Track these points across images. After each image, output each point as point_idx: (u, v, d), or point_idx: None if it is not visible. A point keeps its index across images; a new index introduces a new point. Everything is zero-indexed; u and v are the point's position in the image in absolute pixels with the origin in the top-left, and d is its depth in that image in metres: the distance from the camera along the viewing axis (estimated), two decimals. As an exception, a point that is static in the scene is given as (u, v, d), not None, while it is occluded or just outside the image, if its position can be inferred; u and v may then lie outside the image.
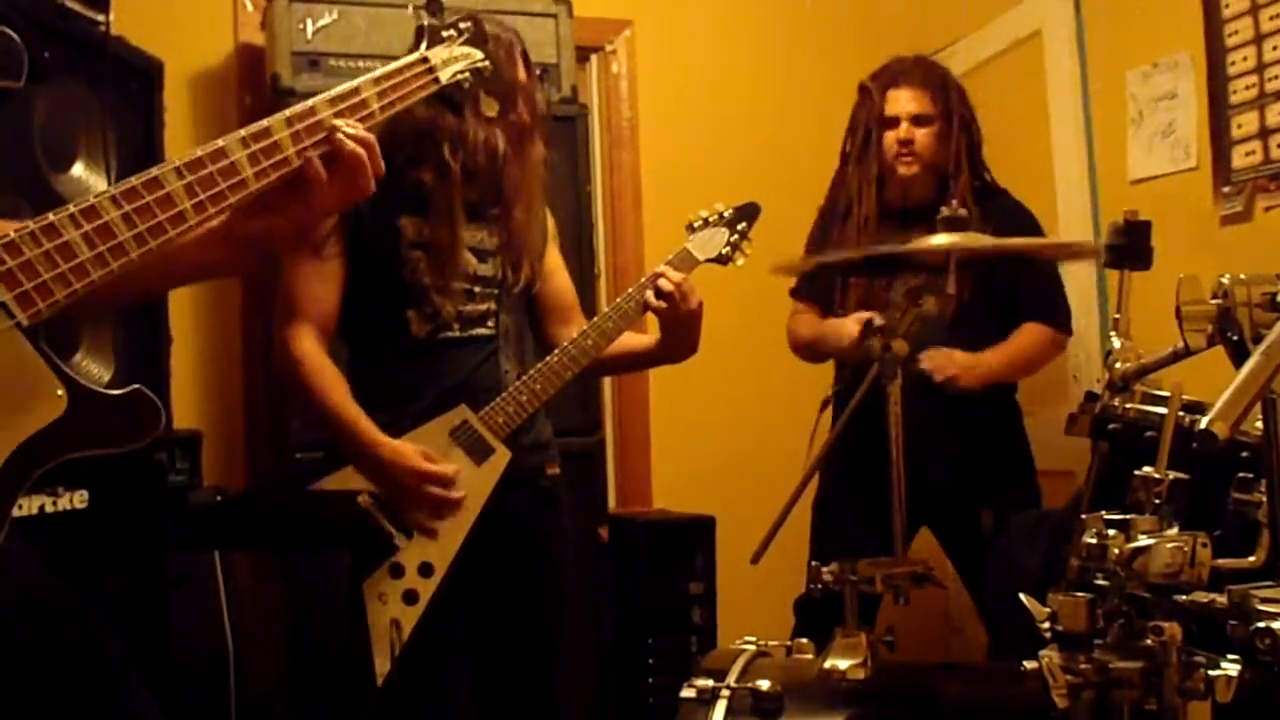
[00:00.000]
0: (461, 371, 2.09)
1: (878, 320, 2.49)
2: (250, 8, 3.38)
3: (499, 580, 2.12)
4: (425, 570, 1.99)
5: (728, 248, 2.32)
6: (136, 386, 1.19)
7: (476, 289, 2.12)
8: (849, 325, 2.63)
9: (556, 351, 2.12)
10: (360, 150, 1.33)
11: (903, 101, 2.74)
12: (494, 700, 2.15)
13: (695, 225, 2.35)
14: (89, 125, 2.36)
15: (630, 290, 2.19)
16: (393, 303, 2.08)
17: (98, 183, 2.37)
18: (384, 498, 1.98)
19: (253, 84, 3.34)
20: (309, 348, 2.03)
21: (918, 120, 2.72)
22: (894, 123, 2.74)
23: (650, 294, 2.14)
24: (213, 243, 1.32)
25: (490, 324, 2.14)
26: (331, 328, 2.09)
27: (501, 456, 2.06)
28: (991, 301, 2.66)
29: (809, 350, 2.90)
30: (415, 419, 2.04)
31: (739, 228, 2.35)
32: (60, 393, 1.15)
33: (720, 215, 2.35)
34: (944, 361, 2.58)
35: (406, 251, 2.06)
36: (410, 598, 1.98)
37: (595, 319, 2.16)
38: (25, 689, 1.27)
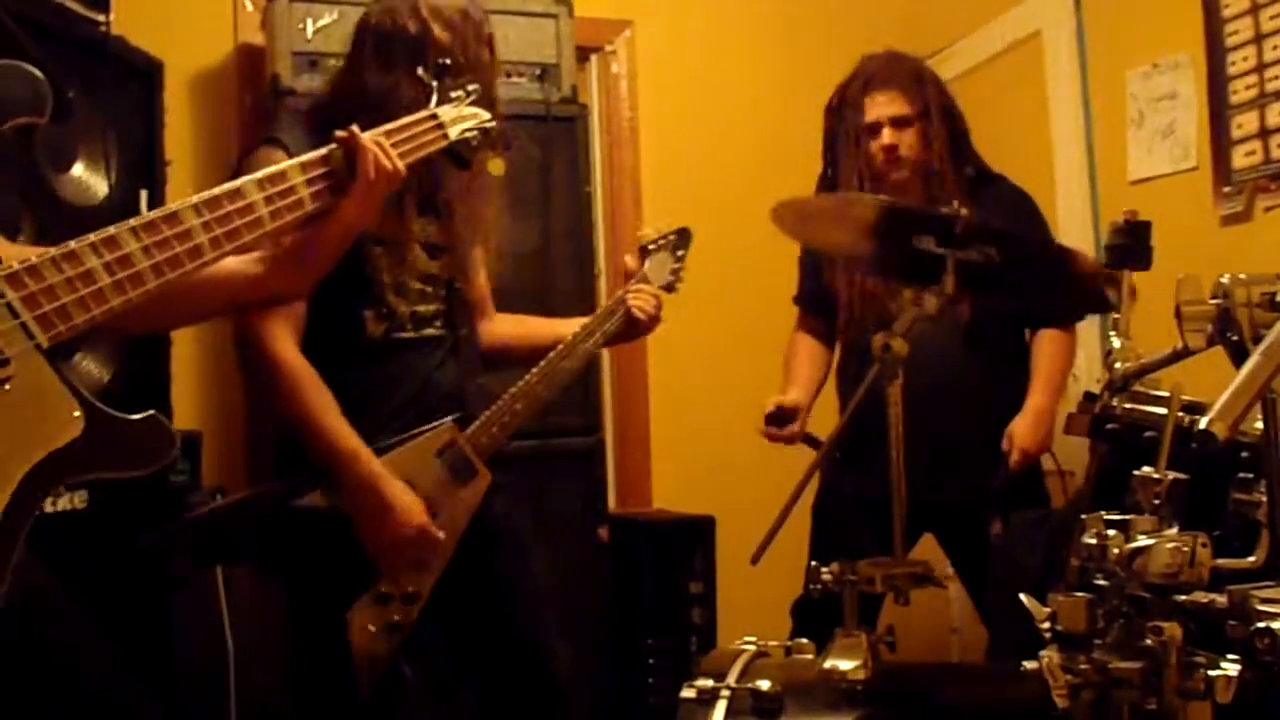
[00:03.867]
0: (420, 375, 2.01)
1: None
2: (250, 8, 3.38)
3: (470, 588, 2.03)
4: (410, 599, 1.92)
5: (672, 275, 2.37)
6: (152, 412, 1.21)
7: (428, 288, 2.04)
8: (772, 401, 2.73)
9: (535, 371, 2.09)
10: (384, 158, 1.41)
11: (881, 106, 2.69)
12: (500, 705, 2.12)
13: (649, 248, 2.36)
14: (89, 125, 2.36)
15: (599, 312, 2.23)
16: (349, 300, 1.96)
17: (98, 183, 2.37)
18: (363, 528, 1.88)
19: (253, 84, 3.34)
20: (290, 351, 1.86)
21: (898, 123, 2.67)
22: (876, 129, 2.69)
23: (642, 317, 2.22)
24: (270, 264, 1.37)
25: (439, 324, 2.05)
26: (303, 325, 1.91)
27: (483, 479, 2.01)
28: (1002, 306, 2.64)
29: None
30: (386, 426, 1.94)
31: (679, 254, 2.39)
32: (77, 414, 1.16)
33: (667, 238, 2.37)
34: (1016, 445, 2.55)
35: (367, 246, 1.92)
36: (395, 628, 1.90)
37: (576, 334, 2.16)
38: (23, 691, 1.27)
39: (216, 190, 1.31)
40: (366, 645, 1.88)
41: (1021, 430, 2.56)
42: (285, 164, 1.38)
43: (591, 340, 2.19)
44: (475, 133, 1.74)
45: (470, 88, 1.76)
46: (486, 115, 1.76)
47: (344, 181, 1.45)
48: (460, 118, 1.72)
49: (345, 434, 1.86)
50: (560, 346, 2.13)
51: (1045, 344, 2.66)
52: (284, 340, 1.85)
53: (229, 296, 1.45)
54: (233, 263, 1.35)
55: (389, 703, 1.97)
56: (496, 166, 2.00)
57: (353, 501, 1.86)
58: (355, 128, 1.48)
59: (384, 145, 1.49)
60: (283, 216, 1.36)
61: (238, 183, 1.33)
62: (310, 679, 1.98)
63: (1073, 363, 2.74)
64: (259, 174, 1.35)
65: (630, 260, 2.33)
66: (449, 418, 1.99)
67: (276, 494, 1.89)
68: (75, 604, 1.37)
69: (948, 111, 2.72)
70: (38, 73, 1.20)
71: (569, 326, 2.22)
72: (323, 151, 1.46)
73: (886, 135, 2.67)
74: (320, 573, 1.91)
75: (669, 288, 2.35)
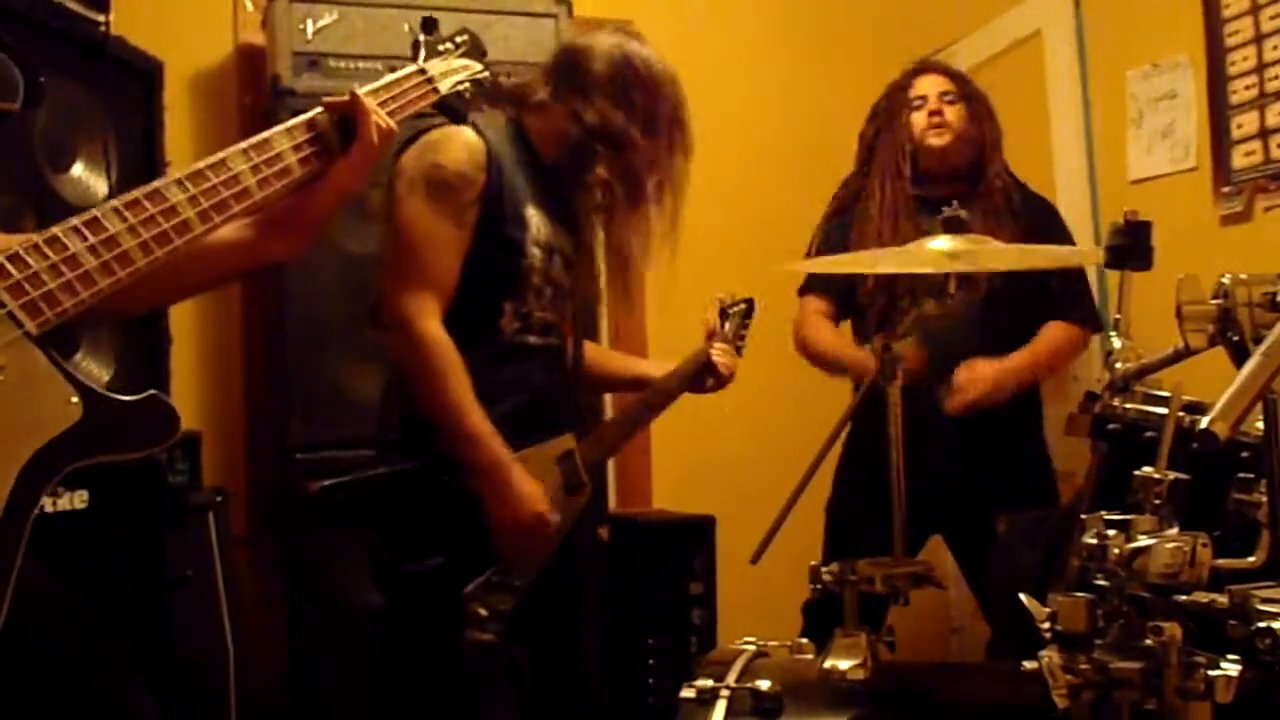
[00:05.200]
0: (537, 383, 2.03)
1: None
2: (250, 8, 3.38)
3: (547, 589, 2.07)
4: (516, 590, 1.96)
5: (740, 340, 2.51)
6: (152, 392, 1.20)
7: (558, 298, 2.07)
8: (871, 360, 2.69)
9: (640, 401, 2.30)
10: (384, 122, 1.44)
11: (930, 84, 2.80)
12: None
13: (728, 311, 2.51)
14: (89, 125, 2.36)
15: (687, 361, 2.39)
16: (495, 293, 1.98)
17: (98, 183, 2.37)
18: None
19: (253, 84, 3.34)
20: (438, 330, 1.88)
21: (945, 97, 2.77)
22: (922, 103, 2.78)
23: (725, 372, 2.38)
24: (259, 230, 1.35)
25: (556, 334, 2.08)
26: (450, 303, 1.93)
27: (586, 491, 2.08)
28: (1020, 297, 2.65)
29: (823, 363, 2.89)
30: (500, 427, 1.95)
31: (746, 323, 2.53)
32: (74, 399, 1.15)
33: (739, 305, 2.53)
34: (973, 378, 2.56)
35: (530, 246, 1.98)
36: (501, 616, 1.94)
37: (670, 374, 2.36)
38: (27, 691, 1.27)
39: (200, 164, 1.29)
40: (477, 628, 1.92)
41: (964, 377, 2.57)
42: (270, 132, 1.37)
43: (677, 383, 2.37)
44: (467, 85, 1.70)
45: (459, 39, 1.74)
46: (478, 66, 1.73)
47: (331, 146, 1.44)
48: (450, 70, 1.68)
49: (481, 418, 1.88)
50: (656, 387, 2.32)
51: (1048, 328, 2.68)
52: (433, 317, 1.88)
53: (223, 267, 1.43)
54: (224, 231, 1.33)
55: (502, 684, 2.03)
56: (494, 119, 2.01)
57: (480, 482, 1.89)
58: (357, 89, 1.48)
59: (374, 107, 1.48)
60: (271, 185, 1.34)
61: (222, 154, 1.31)
62: (413, 659, 1.97)
63: (1071, 357, 2.73)
64: (243, 144, 1.33)
65: (712, 317, 2.47)
66: (569, 431, 2.06)
67: (434, 468, 1.91)
68: (79, 605, 1.36)
69: (990, 114, 2.81)
70: (4, 57, 1.18)
71: (644, 366, 2.44)
72: (308, 116, 1.44)
73: (933, 102, 2.76)
74: (450, 551, 1.92)
75: (738, 350, 2.51)
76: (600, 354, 2.39)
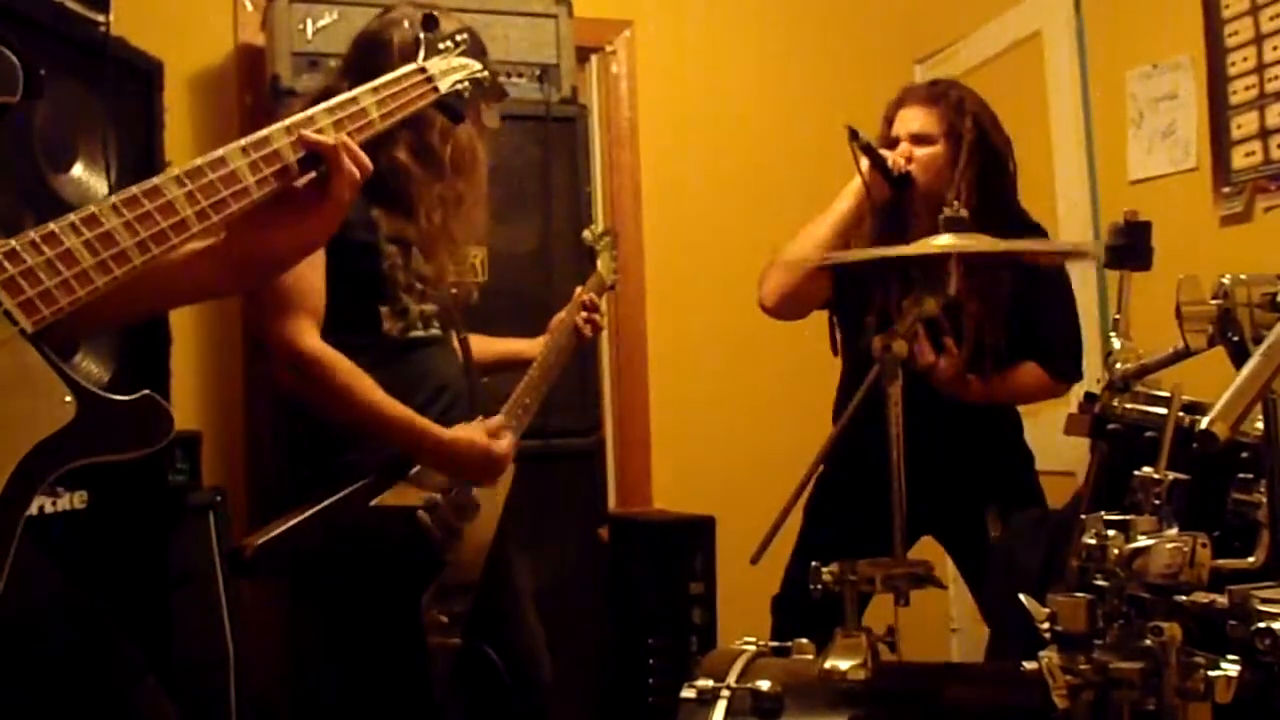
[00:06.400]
0: (438, 374, 2.06)
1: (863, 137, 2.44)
2: (250, 8, 3.38)
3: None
4: (468, 589, 1.97)
5: (614, 275, 2.56)
6: (146, 392, 1.18)
7: (426, 289, 2.07)
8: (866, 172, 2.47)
9: (534, 366, 2.22)
10: (357, 173, 1.35)
11: (906, 121, 2.56)
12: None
13: (597, 249, 2.53)
14: (89, 126, 2.36)
15: (568, 309, 2.39)
16: (366, 297, 2.00)
17: (98, 183, 2.37)
18: (448, 491, 1.95)
19: (253, 84, 3.34)
20: (324, 346, 1.90)
21: (918, 140, 2.53)
22: (895, 144, 2.56)
23: (588, 328, 2.40)
24: (212, 261, 1.33)
25: (437, 324, 2.09)
26: (323, 320, 1.94)
27: (510, 471, 2.09)
28: (1010, 346, 2.54)
29: (792, 279, 2.61)
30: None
31: (614, 254, 2.57)
32: (68, 399, 1.14)
33: (604, 238, 2.55)
34: (947, 367, 2.48)
35: (384, 245, 1.99)
36: (459, 619, 1.95)
37: (554, 336, 2.32)
38: (40, 692, 1.27)
39: (200, 160, 1.27)
40: (440, 637, 1.93)
41: (942, 359, 2.46)
42: (269, 129, 1.34)
43: (567, 350, 2.36)
44: (466, 84, 1.68)
45: (459, 38, 1.72)
46: (477, 65, 1.71)
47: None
48: (450, 69, 1.66)
49: (400, 406, 1.91)
50: (547, 349, 2.29)
51: (1023, 367, 2.57)
52: (312, 335, 1.88)
53: (181, 297, 1.42)
54: (179, 261, 1.29)
55: (475, 685, 2.04)
56: (491, 119, 2.00)
57: (430, 461, 1.94)
58: (344, 137, 1.37)
59: (353, 149, 1.40)
60: (269, 185, 1.32)
61: (221, 151, 1.29)
62: (384, 677, 1.97)
63: (1034, 399, 2.63)
64: (243, 140, 1.31)
65: (578, 294, 2.44)
66: (481, 416, 2.05)
67: (357, 497, 1.91)
68: (92, 605, 1.36)
69: (984, 146, 2.52)
70: (3, 49, 1.17)
71: (512, 345, 2.39)
72: (309, 113, 1.40)
73: (903, 146, 2.53)
74: (395, 571, 1.93)
75: (612, 288, 2.56)
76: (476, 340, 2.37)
